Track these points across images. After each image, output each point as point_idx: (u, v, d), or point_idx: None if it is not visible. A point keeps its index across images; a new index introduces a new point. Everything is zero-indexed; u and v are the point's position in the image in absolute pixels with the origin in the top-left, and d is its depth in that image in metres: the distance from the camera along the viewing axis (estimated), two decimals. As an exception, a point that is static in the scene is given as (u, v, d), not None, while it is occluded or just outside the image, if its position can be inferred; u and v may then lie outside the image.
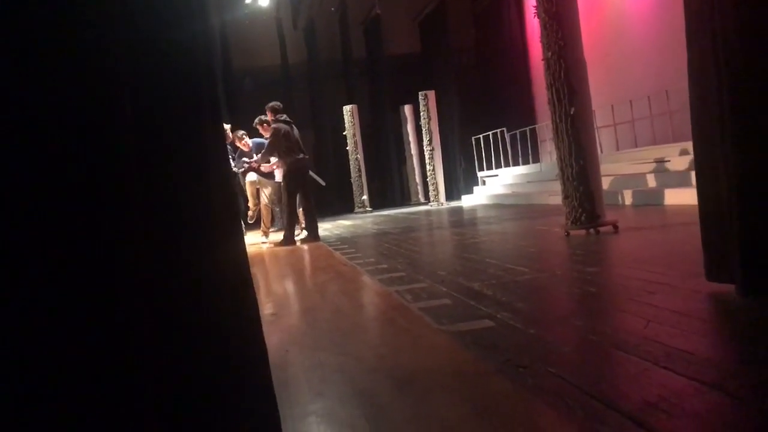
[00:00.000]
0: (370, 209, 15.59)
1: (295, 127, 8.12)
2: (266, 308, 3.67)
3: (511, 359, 2.08)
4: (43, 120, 0.90)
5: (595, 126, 6.79)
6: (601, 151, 10.25)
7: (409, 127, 16.67)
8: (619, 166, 9.65)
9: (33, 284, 0.88)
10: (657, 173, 8.38)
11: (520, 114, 15.07)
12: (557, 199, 6.45)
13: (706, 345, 2.02)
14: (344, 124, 15.68)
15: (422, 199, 16.42)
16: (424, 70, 17.81)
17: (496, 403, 1.72)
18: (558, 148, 5.47)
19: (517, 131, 14.04)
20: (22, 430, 0.86)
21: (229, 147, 7.57)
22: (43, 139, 0.90)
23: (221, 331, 1.14)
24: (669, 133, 9.74)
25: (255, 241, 8.60)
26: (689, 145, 8.73)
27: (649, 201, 7.70)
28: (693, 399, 1.56)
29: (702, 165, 2.57)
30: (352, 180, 15.73)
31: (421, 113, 14.74)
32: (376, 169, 17.63)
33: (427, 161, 14.90)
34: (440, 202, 14.76)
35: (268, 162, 8.22)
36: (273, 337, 2.81)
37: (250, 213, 8.70)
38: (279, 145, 7.89)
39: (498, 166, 14.72)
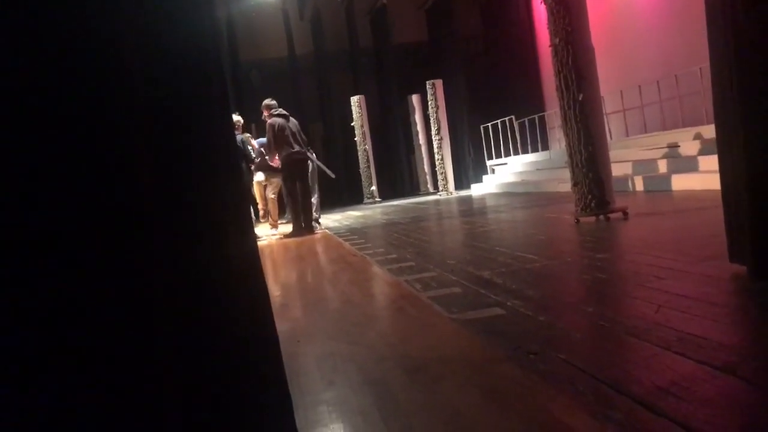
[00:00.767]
0: (379, 200, 15.59)
1: (292, 119, 8.23)
2: (277, 299, 3.70)
3: (521, 346, 2.08)
4: (54, 117, 0.91)
5: (604, 112, 6.74)
6: (611, 138, 10.18)
7: (417, 117, 16.61)
8: (629, 152, 9.58)
9: (51, 282, 0.89)
10: (669, 158, 8.31)
11: (529, 101, 14.98)
12: (567, 187, 6.43)
13: (718, 329, 2.01)
14: (352, 115, 15.66)
15: (431, 189, 16.39)
16: (431, 59, 17.71)
17: (507, 390, 1.73)
18: (567, 135, 5.44)
19: (526, 119, 13.95)
20: (47, 421, 0.88)
21: (239, 138, 7.66)
22: (54, 136, 0.91)
23: (234, 323, 1.15)
24: (679, 117, 9.65)
25: (265, 234, 8.65)
26: (700, 130, 8.65)
27: (660, 187, 7.65)
28: (705, 383, 1.55)
29: (723, 148, 2.56)
30: (360, 171, 15.72)
31: (429, 102, 14.68)
32: (384, 159, 17.61)
33: (435, 151, 14.85)
34: (449, 192, 14.72)
35: (275, 156, 8.32)
36: (284, 328, 2.83)
37: (261, 212, 8.91)
38: (273, 139, 8.04)
39: (507, 154, 14.65)
